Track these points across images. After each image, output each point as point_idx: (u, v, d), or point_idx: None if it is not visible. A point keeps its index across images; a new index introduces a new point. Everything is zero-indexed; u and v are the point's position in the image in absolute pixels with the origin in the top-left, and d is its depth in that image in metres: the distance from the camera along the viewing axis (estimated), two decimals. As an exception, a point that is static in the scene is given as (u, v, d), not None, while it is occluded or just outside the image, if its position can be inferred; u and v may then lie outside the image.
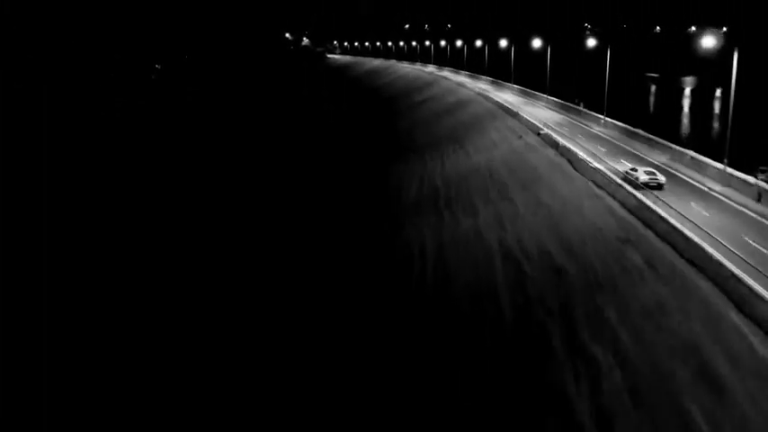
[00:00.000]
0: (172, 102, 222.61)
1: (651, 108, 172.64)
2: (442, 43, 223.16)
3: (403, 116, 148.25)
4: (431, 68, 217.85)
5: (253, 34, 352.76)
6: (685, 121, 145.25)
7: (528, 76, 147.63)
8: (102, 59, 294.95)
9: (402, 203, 76.64)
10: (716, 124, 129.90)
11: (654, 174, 52.62)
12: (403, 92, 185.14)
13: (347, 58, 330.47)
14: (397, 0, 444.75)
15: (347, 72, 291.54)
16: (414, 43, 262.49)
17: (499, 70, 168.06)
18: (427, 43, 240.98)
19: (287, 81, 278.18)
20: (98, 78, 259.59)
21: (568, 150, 66.52)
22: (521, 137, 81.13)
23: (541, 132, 77.98)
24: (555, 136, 74.23)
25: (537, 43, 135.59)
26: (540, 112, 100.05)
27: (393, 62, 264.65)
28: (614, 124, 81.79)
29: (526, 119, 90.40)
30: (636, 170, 53.96)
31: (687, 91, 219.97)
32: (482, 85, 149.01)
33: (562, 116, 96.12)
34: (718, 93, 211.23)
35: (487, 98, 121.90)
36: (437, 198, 72.37)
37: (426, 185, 79.66)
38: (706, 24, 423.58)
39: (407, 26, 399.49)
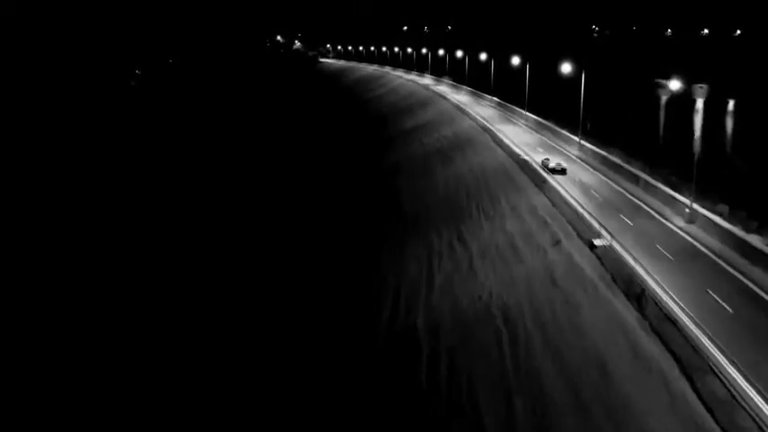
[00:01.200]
0: (151, 111, 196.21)
1: (665, 127, 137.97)
2: (441, 52, 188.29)
3: (390, 149, 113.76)
4: (427, 80, 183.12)
5: (241, 37, 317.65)
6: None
7: (543, 99, 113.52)
8: (74, 65, 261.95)
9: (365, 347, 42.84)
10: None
11: (560, 162, 67.92)
12: (393, 112, 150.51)
13: (341, 63, 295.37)
14: (398, 1, 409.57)
15: (339, 80, 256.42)
16: (409, 50, 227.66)
17: (507, 90, 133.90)
18: (424, 51, 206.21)
19: (274, 92, 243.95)
20: (68, 86, 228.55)
21: (669, 320, 32.31)
22: (558, 242, 46.77)
23: (598, 245, 43.61)
24: (628, 259, 39.98)
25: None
26: (577, 173, 65.78)
27: (388, 70, 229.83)
28: (711, 221, 47.04)
29: (563, 196, 56.01)
30: (548, 159, 69.60)
31: (699, 103, 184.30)
32: (487, 111, 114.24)
33: (614, 185, 61.53)
34: (731, 106, 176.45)
35: (495, 137, 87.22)
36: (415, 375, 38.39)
37: (400, 322, 45.67)
38: (719, 26, 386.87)
39: (405, 28, 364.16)
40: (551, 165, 67.16)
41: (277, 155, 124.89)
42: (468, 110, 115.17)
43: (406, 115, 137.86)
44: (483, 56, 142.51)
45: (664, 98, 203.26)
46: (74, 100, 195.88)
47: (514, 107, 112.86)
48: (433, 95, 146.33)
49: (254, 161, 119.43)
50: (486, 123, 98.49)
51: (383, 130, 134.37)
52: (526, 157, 71.49)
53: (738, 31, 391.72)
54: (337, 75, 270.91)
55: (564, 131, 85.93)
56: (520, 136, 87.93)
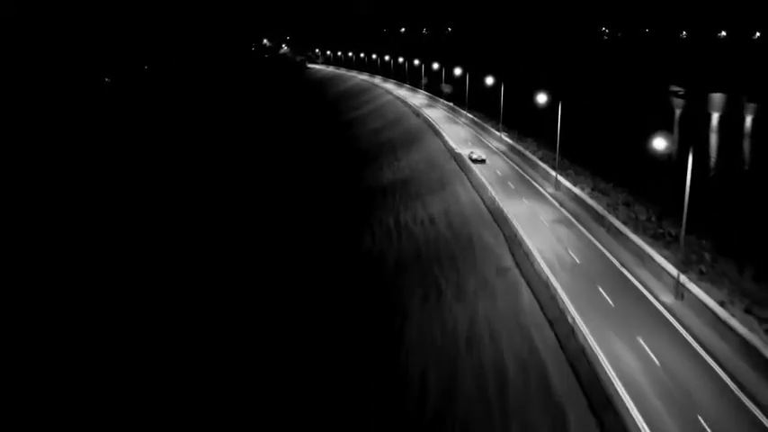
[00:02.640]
0: (123, 120, 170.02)
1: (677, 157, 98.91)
2: (435, 66, 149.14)
3: (364, 222, 74.75)
4: (420, 99, 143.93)
5: (224, 40, 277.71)
6: None
7: (570, 137, 76.39)
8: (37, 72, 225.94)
9: None
10: None
11: (481, 154, 75.56)
12: (375, 146, 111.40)
13: (329, 70, 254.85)
14: (397, 1, 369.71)
15: (325, 89, 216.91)
16: (401, 59, 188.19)
17: (518, 118, 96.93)
18: (417, 62, 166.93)
19: (256, 102, 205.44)
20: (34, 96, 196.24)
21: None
22: None
23: None
24: None
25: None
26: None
27: (378, 81, 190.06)
28: None
29: None
30: (473, 153, 76.01)
31: (715, 117, 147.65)
32: (496, 163, 75.11)
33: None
34: (748, 120, 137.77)
35: (515, 243, 48.43)
36: None
37: None
38: (736, 28, 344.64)
39: (403, 30, 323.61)
40: (474, 156, 75.08)
41: (246, 179, 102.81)
42: (467, 161, 75.89)
43: (389, 156, 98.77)
44: (489, 80, 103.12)
45: (678, 111, 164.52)
46: (42, 108, 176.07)
47: (537, 161, 73.39)
48: (423, 127, 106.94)
49: (224, 180, 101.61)
50: (496, 200, 58.96)
51: (360, 175, 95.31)
52: (583, 331, 32.24)
53: (758, 34, 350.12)
54: (324, 83, 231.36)
55: (643, 245, 46.20)
56: (556, 234, 48.65)
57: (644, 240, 46.46)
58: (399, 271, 52.67)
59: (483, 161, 74.56)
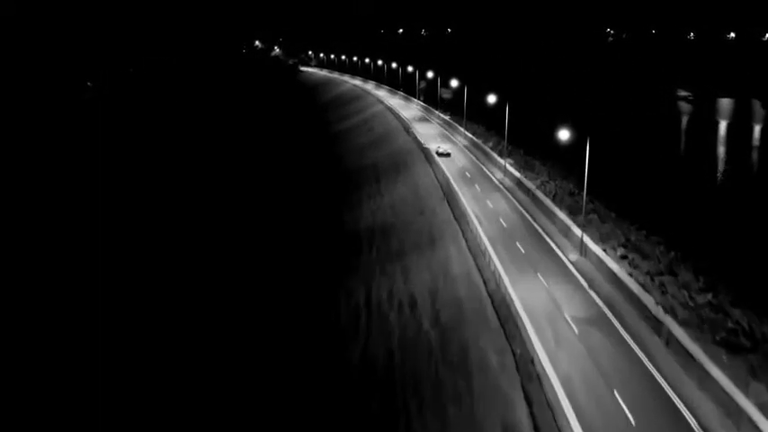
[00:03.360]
0: (105, 125, 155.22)
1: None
2: (430, 74, 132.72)
3: (340, 284, 57.89)
4: (414, 110, 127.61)
5: (214, 43, 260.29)
6: None
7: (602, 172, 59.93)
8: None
9: None
10: None
11: (447, 148, 79.72)
12: (358, 169, 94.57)
13: (323, 74, 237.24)
14: (397, 1, 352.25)
15: (317, 94, 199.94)
16: (395, 65, 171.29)
17: (521, 126, 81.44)
18: (410, 69, 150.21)
19: (243, 109, 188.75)
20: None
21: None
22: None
23: None
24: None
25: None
26: None
27: (370, 87, 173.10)
28: None
29: None
30: (440, 147, 79.54)
31: (722, 126, 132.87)
32: (499, 205, 57.73)
33: None
34: (757, 131, 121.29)
35: (529, 364, 31.43)
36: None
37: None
38: (746, 28, 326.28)
39: (401, 30, 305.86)
40: (441, 150, 79.11)
41: (220, 197, 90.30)
42: (464, 200, 58.56)
43: (371, 185, 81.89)
44: (492, 98, 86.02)
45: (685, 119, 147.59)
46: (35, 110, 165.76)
47: (554, 208, 55.94)
48: (414, 149, 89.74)
49: (198, 195, 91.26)
50: (503, 280, 41.76)
51: (338, 209, 78.25)
52: None
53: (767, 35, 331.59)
54: (317, 88, 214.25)
55: (730, 386, 28.96)
56: (591, 351, 31.66)
57: (718, 365, 29.49)
58: (361, 392, 35.67)
59: (448, 155, 78.20)
